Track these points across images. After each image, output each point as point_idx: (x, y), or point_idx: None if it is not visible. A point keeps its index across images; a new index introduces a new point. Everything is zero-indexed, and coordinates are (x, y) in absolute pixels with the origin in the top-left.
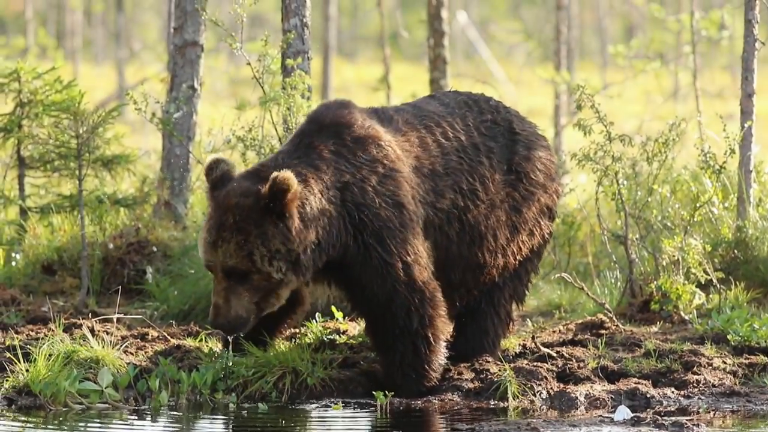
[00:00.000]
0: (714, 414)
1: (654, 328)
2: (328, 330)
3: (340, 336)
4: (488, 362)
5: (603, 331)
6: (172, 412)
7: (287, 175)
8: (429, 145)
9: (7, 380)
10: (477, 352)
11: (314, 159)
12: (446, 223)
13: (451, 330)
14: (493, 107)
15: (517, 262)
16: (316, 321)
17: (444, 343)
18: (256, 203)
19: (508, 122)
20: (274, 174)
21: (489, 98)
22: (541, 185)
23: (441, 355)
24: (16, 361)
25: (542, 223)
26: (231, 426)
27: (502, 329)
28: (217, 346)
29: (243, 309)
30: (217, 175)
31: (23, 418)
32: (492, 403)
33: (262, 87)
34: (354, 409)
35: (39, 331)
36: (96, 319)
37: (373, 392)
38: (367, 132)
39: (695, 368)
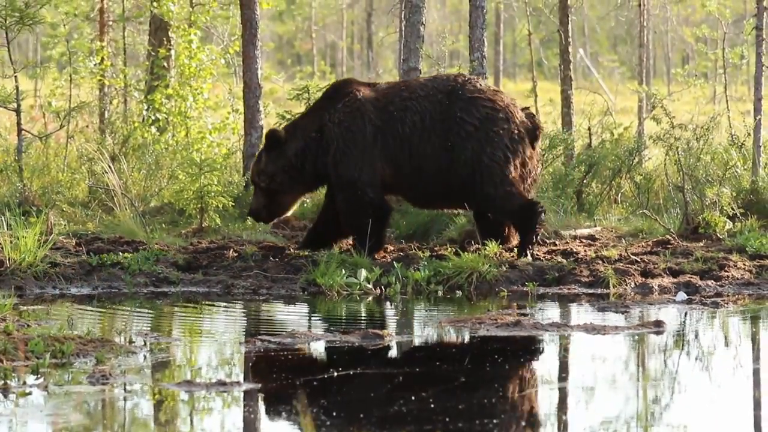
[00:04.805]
0: (737, 296)
1: (700, 244)
2: (500, 246)
3: (506, 251)
4: (598, 263)
5: (669, 246)
6: (402, 296)
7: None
8: (391, 96)
9: (302, 276)
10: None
11: (306, 115)
12: (398, 144)
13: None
14: (455, 82)
15: (482, 167)
16: (492, 241)
17: None
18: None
19: (456, 90)
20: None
21: (467, 79)
22: (476, 126)
23: None
24: (308, 264)
25: (489, 146)
26: (439, 305)
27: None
28: (426, 255)
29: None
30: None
31: (311, 299)
32: (599, 290)
33: None
34: (513, 294)
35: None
36: None
37: (527, 283)
38: (345, 91)
39: (726, 268)
